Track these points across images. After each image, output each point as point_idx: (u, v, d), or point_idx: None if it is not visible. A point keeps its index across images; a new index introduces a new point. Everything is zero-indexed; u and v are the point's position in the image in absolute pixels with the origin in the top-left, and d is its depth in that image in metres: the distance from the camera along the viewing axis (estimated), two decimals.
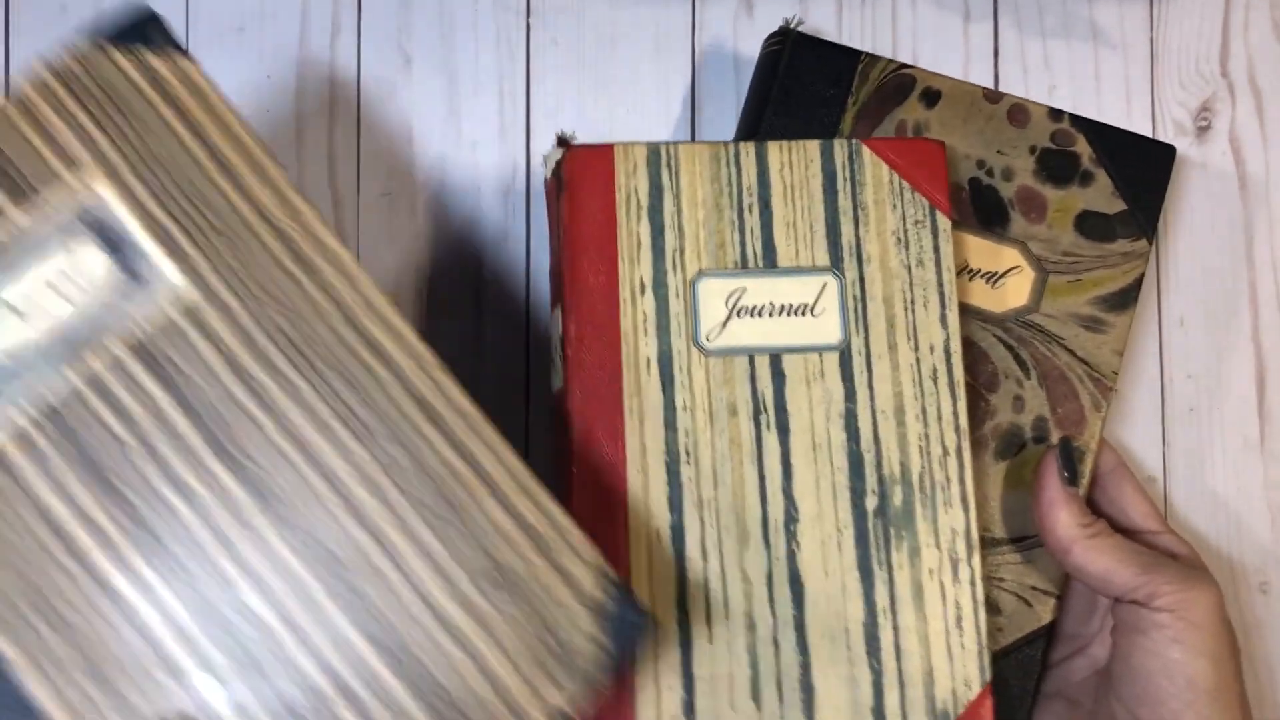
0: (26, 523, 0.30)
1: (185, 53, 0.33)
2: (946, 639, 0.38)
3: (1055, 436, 0.43)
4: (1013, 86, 0.48)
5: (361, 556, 0.31)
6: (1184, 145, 0.48)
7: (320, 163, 0.47)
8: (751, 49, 0.48)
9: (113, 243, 0.31)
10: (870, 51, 0.44)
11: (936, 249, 0.40)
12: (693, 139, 0.48)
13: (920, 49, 0.48)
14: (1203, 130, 0.49)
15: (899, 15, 0.48)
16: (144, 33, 0.33)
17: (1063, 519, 0.39)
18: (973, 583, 0.38)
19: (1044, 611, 0.42)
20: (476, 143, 0.47)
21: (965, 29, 0.49)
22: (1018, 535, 0.42)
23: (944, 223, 0.40)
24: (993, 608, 0.41)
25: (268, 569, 0.31)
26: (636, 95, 0.48)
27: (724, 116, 0.48)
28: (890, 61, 0.44)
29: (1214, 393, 0.48)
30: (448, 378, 0.32)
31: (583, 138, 0.47)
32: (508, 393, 0.47)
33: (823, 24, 0.48)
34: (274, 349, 0.31)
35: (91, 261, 0.31)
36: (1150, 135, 0.48)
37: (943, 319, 0.39)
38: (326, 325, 0.32)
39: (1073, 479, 0.40)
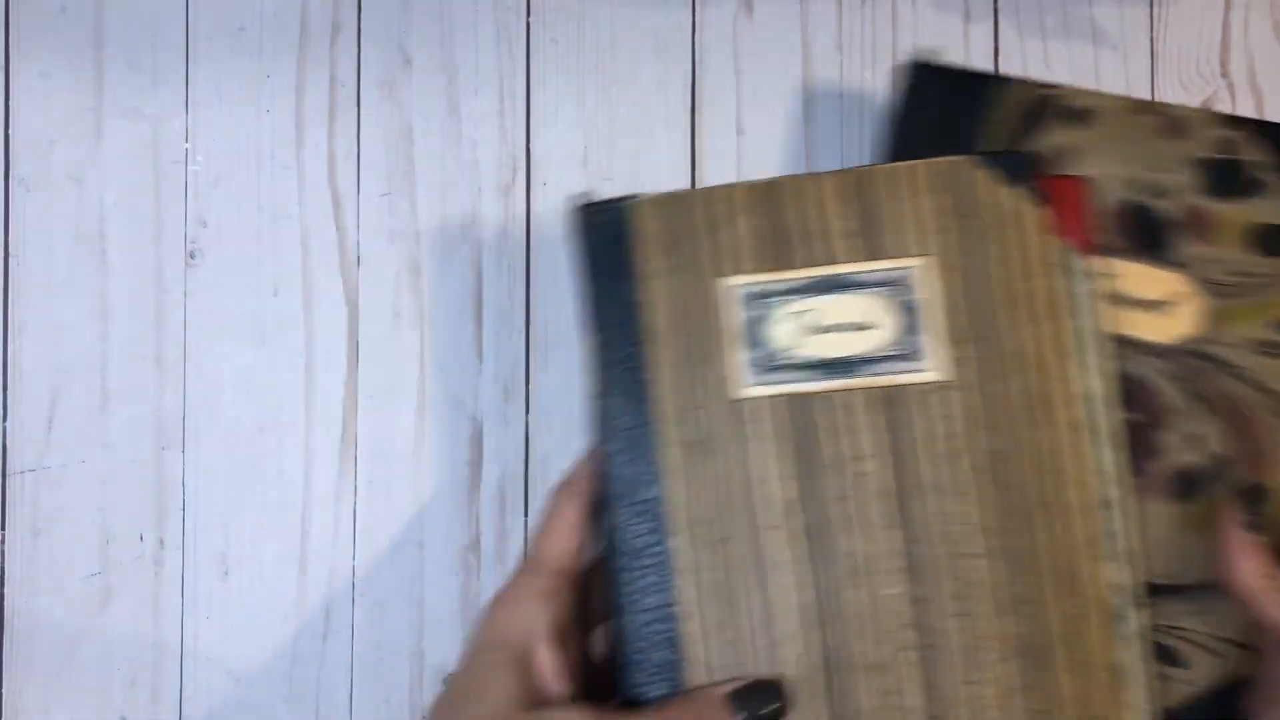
0: (744, 469, 0.36)
1: (1047, 203, 0.36)
2: (1112, 696, 0.35)
3: (1235, 476, 0.39)
4: None
5: (945, 643, 0.35)
6: None
7: (320, 163, 0.47)
8: (752, 49, 0.48)
9: (910, 315, 0.36)
10: (1002, 74, 0.41)
11: (1085, 290, 0.36)
12: (692, 140, 0.48)
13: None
14: None
15: (899, 15, 0.48)
16: (1022, 172, 0.36)
17: (1246, 569, 0.36)
18: (1138, 638, 0.35)
19: (1233, 662, 0.38)
20: (476, 143, 0.47)
21: (965, 29, 0.49)
22: (1196, 582, 0.39)
23: (1091, 262, 0.37)
24: (1170, 659, 0.39)
25: (870, 613, 0.35)
26: (636, 95, 0.48)
27: (724, 117, 0.48)
28: (1026, 83, 0.41)
29: None
30: (1097, 567, 0.35)
31: (583, 138, 0.47)
32: (508, 393, 0.47)
33: (823, 24, 0.48)
34: (982, 462, 0.35)
35: (888, 321, 0.36)
36: None
37: (1095, 365, 0.36)
38: (1035, 473, 0.35)
39: (1256, 524, 0.37)
